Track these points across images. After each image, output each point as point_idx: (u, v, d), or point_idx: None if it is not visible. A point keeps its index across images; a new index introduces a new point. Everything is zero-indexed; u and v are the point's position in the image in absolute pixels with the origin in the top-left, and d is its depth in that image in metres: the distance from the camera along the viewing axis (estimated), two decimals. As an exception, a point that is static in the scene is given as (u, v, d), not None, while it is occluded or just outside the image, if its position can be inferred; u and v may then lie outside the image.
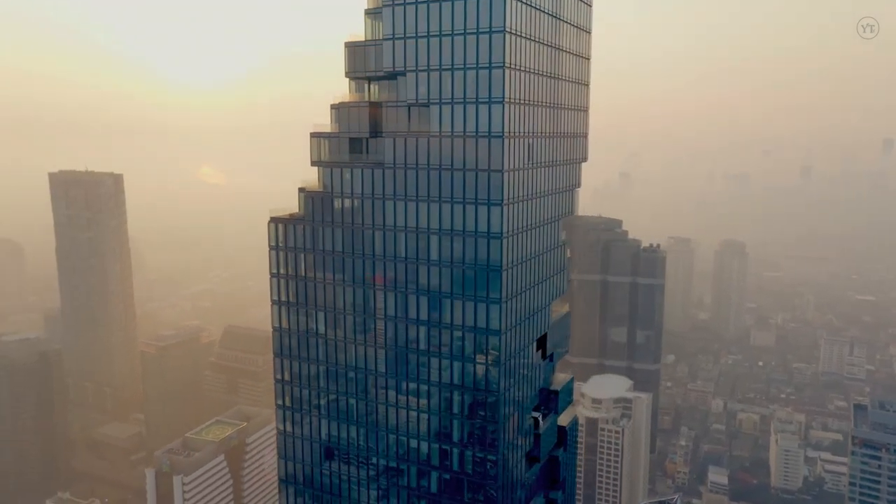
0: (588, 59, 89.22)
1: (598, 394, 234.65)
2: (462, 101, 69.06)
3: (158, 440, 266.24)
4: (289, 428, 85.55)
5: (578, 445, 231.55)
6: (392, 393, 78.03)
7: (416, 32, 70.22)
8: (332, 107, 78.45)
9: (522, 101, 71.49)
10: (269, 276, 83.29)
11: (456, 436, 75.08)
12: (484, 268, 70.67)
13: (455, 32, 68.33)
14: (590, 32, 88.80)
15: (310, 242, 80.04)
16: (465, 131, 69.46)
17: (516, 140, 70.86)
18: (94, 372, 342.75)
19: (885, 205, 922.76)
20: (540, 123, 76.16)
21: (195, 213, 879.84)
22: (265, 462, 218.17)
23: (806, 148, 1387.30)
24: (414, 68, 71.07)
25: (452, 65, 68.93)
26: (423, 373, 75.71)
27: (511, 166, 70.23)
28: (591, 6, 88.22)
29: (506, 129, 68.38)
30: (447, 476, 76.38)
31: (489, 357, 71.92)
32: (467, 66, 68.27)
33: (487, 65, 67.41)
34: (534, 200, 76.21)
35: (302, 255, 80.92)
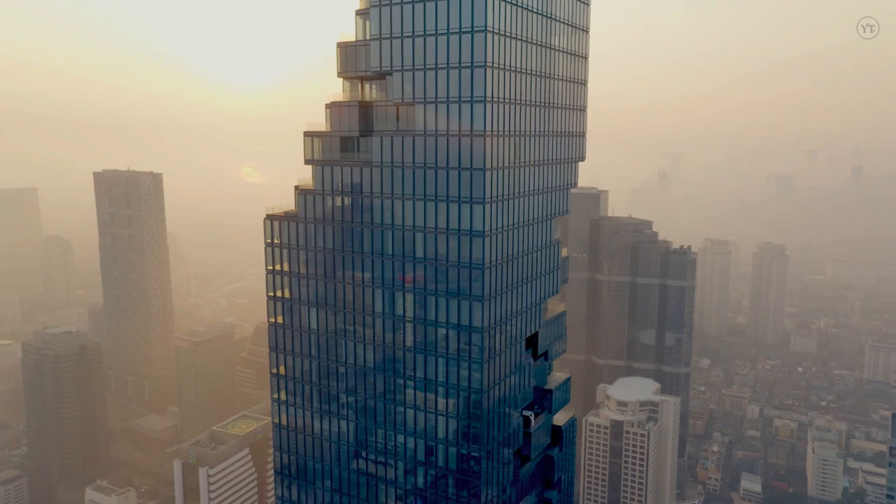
0: (585, 57, 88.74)
1: (623, 396, 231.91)
2: (445, 100, 69.73)
3: (192, 433, 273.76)
4: (283, 421, 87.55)
5: (600, 448, 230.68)
6: (380, 388, 79.16)
7: (402, 32, 71.19)
8: (326, 106, 80.00)
9: (508, 100, 71.73)
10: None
11: (441, 432, 75.74)
12: (467, 265, 71.19)
13: (439, 32, 69.06)
14: (587, 31, 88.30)
15: (303, 239, 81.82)
16: (448, 130, 70.11)
17: (500, 139, 71.15)
18: (134, 365, 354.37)
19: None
20: (528, 122, 76.21)
21: (236, 212, 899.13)
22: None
23: (854, 148, 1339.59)
24: (400, 68, 72.05)
25: (436, 64, 69.67)
26: (410, 369, 76.62)
27: (495, 165, 70.56)
28: (588, 5, 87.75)
29: (488, 128, 68.75)
30: (433, 472, 77.13)
31: (472, 354, 72.37)
32: (450, 65, 68.92)
33: (469, 64, 67.93)
34: (521, 199, 76.28)
35: (295, 252, 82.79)
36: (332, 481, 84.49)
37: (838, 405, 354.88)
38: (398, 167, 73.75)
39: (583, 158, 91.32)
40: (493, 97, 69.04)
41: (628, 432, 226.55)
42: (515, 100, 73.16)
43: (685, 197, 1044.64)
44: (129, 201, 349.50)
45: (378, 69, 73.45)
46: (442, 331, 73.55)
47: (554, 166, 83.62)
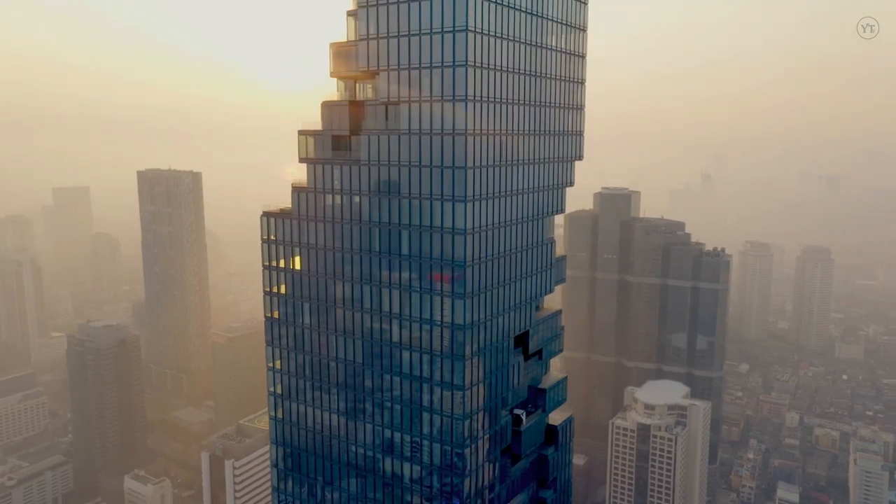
0: (583, 56, 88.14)
1: (651, 399, 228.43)
2: (429, 98, 70.48)
3: (225, 426, 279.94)
4: (279, 415, 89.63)
5: (626, 451, 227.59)
6: (368, 384, 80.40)
7: (388, 32, 72.22)
8: (322, 105, 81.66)
9: (492, 99, 71.99)
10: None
11: (426, 428, 76.47)
12: (449, 263, 71.77)
13: (423, 32, 69.82)
14: (584, 30, 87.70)
15: (296, 237, 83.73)
16: (431, 129, 70.82)
17: (483, 137, 71.48)
18: (173, 359, 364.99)
19: None
20: (515, 121, 76.29)
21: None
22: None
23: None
24: (387, 67, 73.11)
25: (420, 63, 70.47)
26: (396, 365, 77.64)
27: (477, 163, 70.95)
28: (585, 4, 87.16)
29: (470, 126, 69.20)
30: (418, 467, 77.92)
31: (454, 350, 72.89)
32: (433, 64, 69.60)
33: (451, 63, 68.49)
34: (508, 197, 76.40)
35: (290, 249, 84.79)
36: (324, 475, 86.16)
37: (886, 415, 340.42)
38: (384, 165, 74.87)
39: (580, 157, 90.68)
40: (475, 96, 69.46)
41: (655, 436, 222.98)
42: (501, 99, 73.37)
43: (730, 198, 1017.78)
44: (169, 199, 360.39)
45: (366, 69, 74.68)
46: (426, 327, 74.32)
47: (546, 165, 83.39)
